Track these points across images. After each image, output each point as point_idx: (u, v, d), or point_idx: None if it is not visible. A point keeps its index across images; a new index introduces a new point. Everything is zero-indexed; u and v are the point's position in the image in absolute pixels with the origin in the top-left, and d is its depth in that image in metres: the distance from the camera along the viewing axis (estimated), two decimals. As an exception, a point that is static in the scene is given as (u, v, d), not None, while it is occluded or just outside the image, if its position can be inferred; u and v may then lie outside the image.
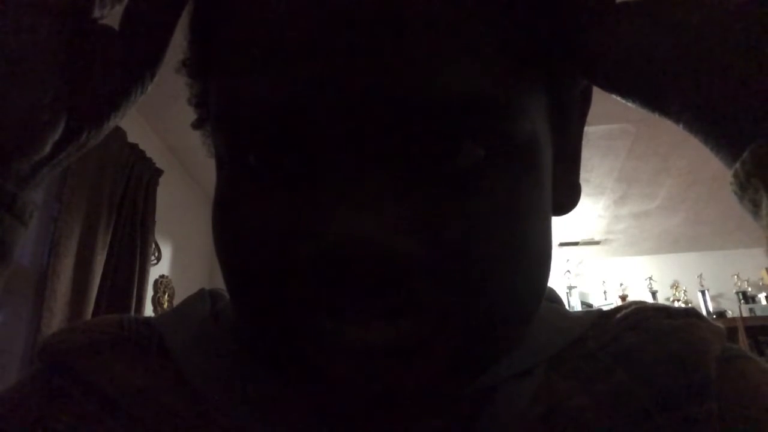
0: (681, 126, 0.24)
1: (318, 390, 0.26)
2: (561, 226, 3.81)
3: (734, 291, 4.19)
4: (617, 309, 0.34)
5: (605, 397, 0.28)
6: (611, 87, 0.25)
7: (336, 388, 0.24)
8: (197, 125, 0.32)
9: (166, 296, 2.67)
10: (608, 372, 0.29)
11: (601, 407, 0.28)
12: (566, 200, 0.32)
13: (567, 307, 0.37)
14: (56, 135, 0.27)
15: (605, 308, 0.35)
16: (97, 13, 0.28)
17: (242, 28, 0.25)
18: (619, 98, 0.26)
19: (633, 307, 0.33)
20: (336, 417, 0.28)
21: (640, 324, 0.31)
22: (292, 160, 0.24)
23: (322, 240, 0.22)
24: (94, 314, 1.98)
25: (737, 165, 0.22)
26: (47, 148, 0.27)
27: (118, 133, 2.11)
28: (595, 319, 0.33)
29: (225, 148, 0.26)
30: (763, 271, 4.11)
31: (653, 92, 0.24)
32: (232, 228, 0.26)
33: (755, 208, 0.22)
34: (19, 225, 0.27)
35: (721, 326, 0.32)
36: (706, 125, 0.23)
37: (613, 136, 2.64)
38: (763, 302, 4.08)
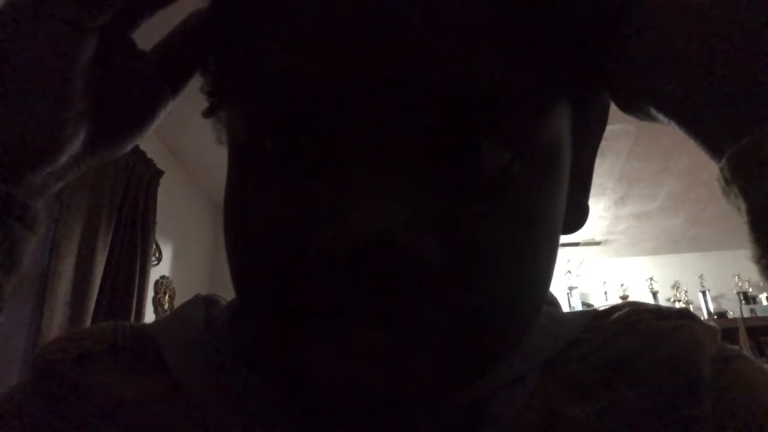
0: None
1: (314, 391, 0.25)
2: (562, 227, 3.80)
3: (735, 291, 4.18)
4: (611, 310, 0.34)
5: (601, 407, 0.28)
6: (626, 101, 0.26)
7: (331, 387, 0.23)
8: (208, 113, 0.31)
9: (166, 297, 2.67)
10: (603, 380, 0.29)
11: (598, 417, 0.27)
12: (573, 220, 0.32)
13: (568, 309, 0.36)
14: (75, 149, 0.27)
15: (601, 308, 0.35)
16: (129, 31, 0.29)
17: (276, 4, 0.24)
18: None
19: (627, 309, 0.33)
20: (333, 427, 0.27)
21: (633, 327, 0.31)
22: (310, 143, 0.23)
23: (341, 230, 0.21)
24: (94, 315, 1.98)
25: (718, 172, 0.22)
26: (63, 162, 0.27)
27: (119, 133, 2.11)
28: (588, 320, 0.33)
29: (244, 128, 0.25)
30: (764, 272, 4.09)
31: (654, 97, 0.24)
32: (245, 214, 0.25)
33: (739, 212, 0.22)
34: (29, 234, 0.27)
35: (715, 326, 0.32)
36: (692, 129, 0.23)
37: (614, 137, 2.64)
38: (764, 303, 4.07)
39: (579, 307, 4.13)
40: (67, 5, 0.25)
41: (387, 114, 0.22)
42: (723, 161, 0.22)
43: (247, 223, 0.25)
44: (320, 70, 0.22)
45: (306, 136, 0.23)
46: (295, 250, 0.23)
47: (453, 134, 0.23)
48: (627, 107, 0.26)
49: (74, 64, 0.26)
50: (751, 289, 4.17)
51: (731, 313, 4.07)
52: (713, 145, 0.23)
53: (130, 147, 0.31)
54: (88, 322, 1.93)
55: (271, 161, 0.24)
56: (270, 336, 0.26)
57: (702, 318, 0.33)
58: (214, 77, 0.30)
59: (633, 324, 0.32)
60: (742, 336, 3.75)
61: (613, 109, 0.30)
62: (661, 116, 0.24)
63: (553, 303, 0.36)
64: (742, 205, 0.22)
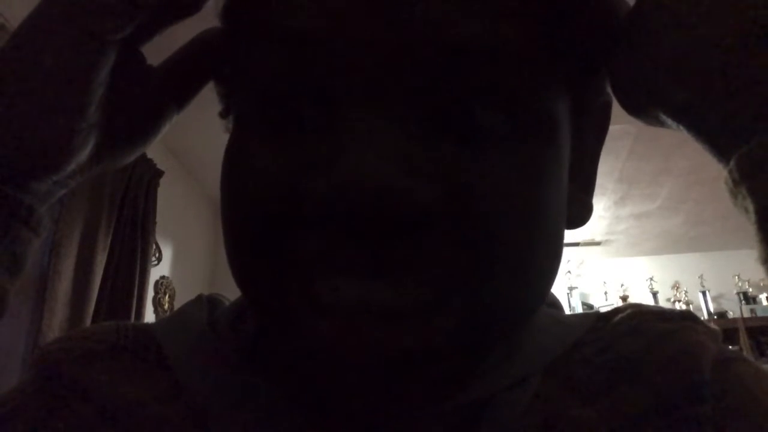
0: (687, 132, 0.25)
1: (307, 359, 0.25)
2: (562, 227, 3.80)
3: (735, 291, 4.18)
4: (614, 312, 0.34)
5: (604, 408, 0.28)
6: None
7: (325, 351, 0.23)
8: (224, 114, 0.32)
9: (166, 297, 2.67)
10: (606, 381, 0.29)
11: (600, 418, 0.27)
12: (577, 216, 0.32)
13: (568, 309, 0.36)
14: (82, 159, 0.28)
15: (603, 309, 0.35)
16: (139, 42, 0.29)
17: None
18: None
19: (630, 310, 0.33)
20: (335, 427, 0.27)
21: (636, 329, 0.31)
22: (311, 108, 0.24)
23: (333, 177, 0.21)
24: (94, 315, 1.98)
25: (725, 173, 0.23)
26: (69, 170, 0.28)
27: (119, 133, 2.11)
28: (591, 323, 0.33)
29: (248, 100, 0.26)
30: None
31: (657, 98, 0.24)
32: (242, 168, 0.25)
33: (746, 213, 0.23)
34: (34, 237, 0.28)
35: (717, 328, 0.32)
36: (700, 132, 0.24)
37: (614, 137, 2.64)
38: (764, 303, 4.07)
39: (579, 307, 4.14)
40: (92, 18, 0.25)
41: (385, 73, 0.22)
42: (731, 163, 0.22)
43: (244, 175, 0.25)
44: (321, 32, 0.23)
45: (306, 97, 0.24)
46: (291, 201, 0.23)
47: (448, 93, 0.23)
48: (635, 111, 0.26)
49: (95, 76, 0.26)
50: (751, 289, 4.17)
51: (731, 313, 4.07)
52: (721, 148, 0.23)
53: (133, 157, 0.31)
54: (88, 322, 1.93)
55: (272, 121, 0.24)
56: (266, 291, 0.26)
57: (702, 318, 0.33)
58: (228, 78, 0.31)
59: (635, 326, 0.32)
60: (742, 336, 3.75)
61: (615, 110, 0.30)
62: (669, 120, 0.25)
63: (555, 305, 0.36)
64: (750, 206, 0.22)
